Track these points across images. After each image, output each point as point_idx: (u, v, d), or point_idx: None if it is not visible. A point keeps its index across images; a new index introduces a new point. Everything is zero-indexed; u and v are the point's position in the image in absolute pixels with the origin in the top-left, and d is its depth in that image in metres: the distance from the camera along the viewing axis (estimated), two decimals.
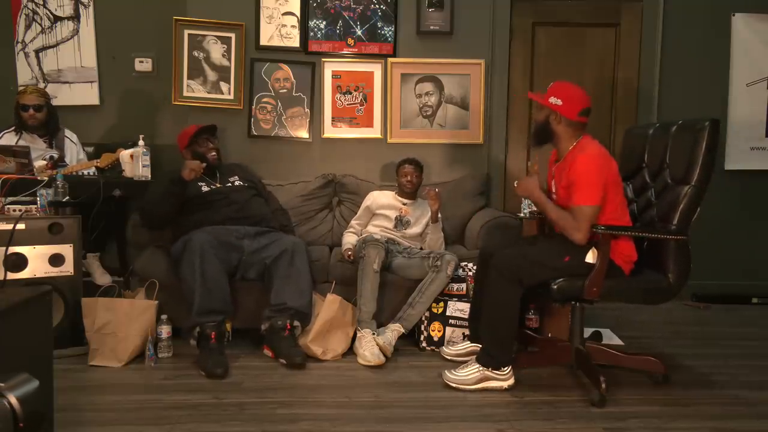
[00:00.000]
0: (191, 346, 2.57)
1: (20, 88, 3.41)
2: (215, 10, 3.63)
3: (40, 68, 3.85)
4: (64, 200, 2.66)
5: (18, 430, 0.89)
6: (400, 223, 3.11)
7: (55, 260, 2.57)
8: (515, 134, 3.85)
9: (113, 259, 3.53)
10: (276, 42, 3.66)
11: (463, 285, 2.80)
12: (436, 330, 2.78)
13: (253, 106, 3.69)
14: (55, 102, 3.43)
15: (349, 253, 2.95)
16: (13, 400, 0.90)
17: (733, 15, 3.79)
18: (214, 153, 3.04)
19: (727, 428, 2.01)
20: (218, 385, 2.33)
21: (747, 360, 2.70)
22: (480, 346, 2.43)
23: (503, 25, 3.72)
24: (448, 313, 2.77)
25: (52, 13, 3.83)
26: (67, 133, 3.40)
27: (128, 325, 2.55)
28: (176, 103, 3.65)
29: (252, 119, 3.69)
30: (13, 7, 3.83)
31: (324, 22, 3.65)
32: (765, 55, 3.81)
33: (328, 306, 2.71)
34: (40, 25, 3.83)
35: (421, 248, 3.07)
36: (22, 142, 3.17)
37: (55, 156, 3.13)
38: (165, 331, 2.63)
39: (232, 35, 3.64)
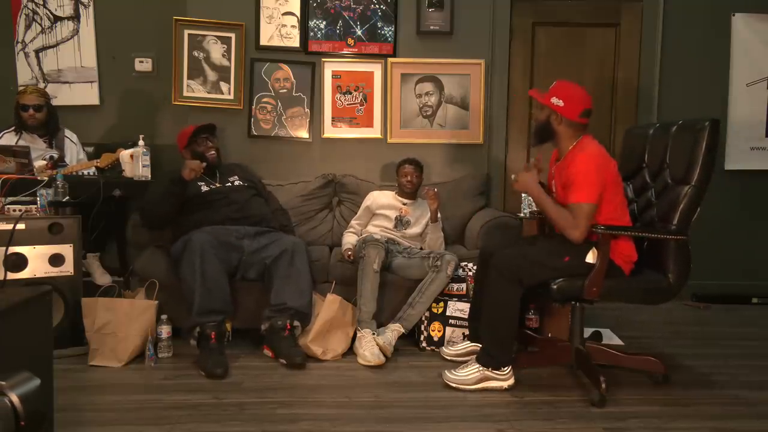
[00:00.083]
0: (191, 346, 2.57)
1: (20, 88, 3.41)
2: (215, 10, 3.63)
3: (40, 68, 3.85)
4: (64, 200, 2.66)
5: (19, 429, 0.89)
6: (400, 223, 3.11)
7: (55, 260, 2.57)
8: (515, 134, 3.85)
9: (113, 259, 3.53)
10: (276, 42, 3.66)
11: (463, 285, 2.80)
12: (436, 330, 2.78)
13: (253, 106, 3.69)
14: (55, 102, 3.43)
15: (349, 253, 2.95)
16: (14, 398, 0.90)
17: (733, 15, 3.79)
18: (213, 152, 3.04)
19: (727, 428, 2.01)
20: (218, 385, 2.33)
21: (747, 360, 2.70)
22: (480, 346, 2.43)
23: (503, 25, 3.72)
24: (448, 313, 2.77)
25: (52, 13, 3.83)
26: (67, 133, 3.40)
27: (128, 325, 2.55)
28: (176, 103, 3.65)
29: (252, 119, 3.69)
30: (13, 7, 3.83)
31: (324, 22, 3.65)
32: (765, 55, 3.82)
33: (328, 306, 2.71)
34: (40, 25, 3.83)
35: (421, 248, 3.07)
36: (22, 142, 3.17)
37: (55, 156, 3.13)
38: (165, 331, 2.63)
39: (232, 35, 3.64)
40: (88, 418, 2.04)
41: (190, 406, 2.12)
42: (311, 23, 3.65)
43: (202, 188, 2.95)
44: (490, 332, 2.32)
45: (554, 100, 2.31)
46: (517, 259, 2.27)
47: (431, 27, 3.67)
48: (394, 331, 2.68)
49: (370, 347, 2.58)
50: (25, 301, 1.33)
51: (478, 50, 3.71)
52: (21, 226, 2.50)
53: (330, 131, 3.72)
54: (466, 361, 2.37)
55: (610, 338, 2.97)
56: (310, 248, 2.99)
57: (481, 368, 2.28)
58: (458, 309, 2.76)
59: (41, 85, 3.78)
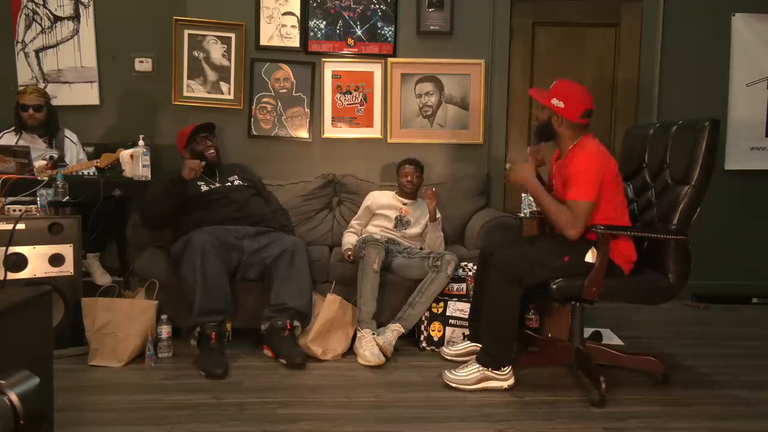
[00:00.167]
0: (191, 346, 2.57)
1: (20, 88, 3.41)
2: (215, 10, 3.63)
3: (40, 68, 3.85)
4: (64, 200, 2.66)
5: (18, 428, 0.89)
6: (400, 223, 3.11)
7: (55, 260, 2.57)
8: (515, 134, 3.85)
9: (113, 259, 3.53)
10: (276, 42, 3.66)
11: (463, 285, 2.80)
12: (436, 330, 2.78)
13: (253, 106, 3.69)
14: (55, 102, 3.43)
15: (349, 253, 2.95)
16: (13, 397, 0.90)
17: (733, 15, 3.79)
18: (212, 151, 3.04)
19: (727, 428, 2.01)
20: (218, 385, 2.33)
21: (747, 360, 2.70)
22: (480, 346, 2.43)
23: (503, 25, 3.72)
24: (448, 313, 2.77)
25: (52, 13, 3.83)
26: (67, 133, 3.40)
27: (128, 325, 2.55)
28: (176, 103, 3.65)
29: (252, 119, 3.69)
30: (13, 7, 3.83)
31: (324, 22, 3.65)
32: (765, 55, 3.82)
33: (328, 306, 2.71)
34: (40, 25, 3.83)
35: (421, 248, 3.07)
36: (22, 142, 3.17)
37: (55, 156, 3.13)
38: (165, 331, 2.63)
39: (232, 35, 3.64)
40: (88, 418, 2.04)
41: (190, 406, 2.12)
42: (311, 23, 3.65)
43: (201, 188, 2.95)
44: (490, 332, 2.32)
45: (555, 102, 2.30)
46: (517, 259, 2.26)
47: (431, 27, 3.67)
48: (394, 331, 2.68)
49: (370, 347, 2.58)
50: (25, 301, 1.33)
51: (478, 50, 3.71)
52: (21, 226, 2.50)
53: (330, 131, 3.72)
54: (466, 361, 2.37)
55: (610, 338, 2.97)
56: (310, 248, 2.99)
57: (481, 368, 2.28)
58: (458, 309, 2.76)
59: (41, 85, 3.78)
